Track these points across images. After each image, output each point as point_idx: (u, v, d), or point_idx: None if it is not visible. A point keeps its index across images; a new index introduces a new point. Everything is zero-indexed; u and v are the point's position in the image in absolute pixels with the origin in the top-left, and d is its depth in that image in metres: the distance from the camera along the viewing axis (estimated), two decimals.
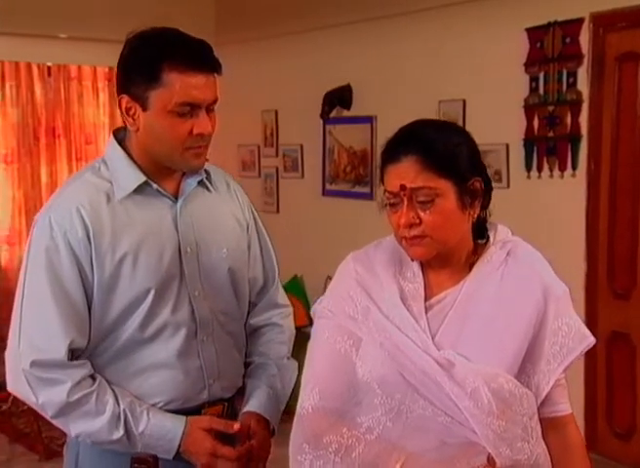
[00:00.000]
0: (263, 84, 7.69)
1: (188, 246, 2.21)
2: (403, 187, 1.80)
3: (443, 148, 1.82)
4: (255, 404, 2.27)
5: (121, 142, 2.21)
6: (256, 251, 2.42)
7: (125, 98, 2.11)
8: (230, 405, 2.32)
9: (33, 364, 2.08)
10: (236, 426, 2.14)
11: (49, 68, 7.67)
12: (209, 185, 2.31)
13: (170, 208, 2.21)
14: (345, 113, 6.83)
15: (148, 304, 2.15)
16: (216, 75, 2.12)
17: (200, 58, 2.08)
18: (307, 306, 6.83)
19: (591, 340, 1.88)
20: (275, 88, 7.57)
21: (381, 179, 1.88)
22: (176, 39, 2.10)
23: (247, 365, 2.40)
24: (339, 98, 6.79)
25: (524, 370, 1.83)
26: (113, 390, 2.15)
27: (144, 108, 2.09)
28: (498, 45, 5.79)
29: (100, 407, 2.11)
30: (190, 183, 2.25)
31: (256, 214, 2.47)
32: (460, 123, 6.00)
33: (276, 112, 7.52)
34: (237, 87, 7.90)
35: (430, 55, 6.23)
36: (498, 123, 5.83)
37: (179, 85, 2.05)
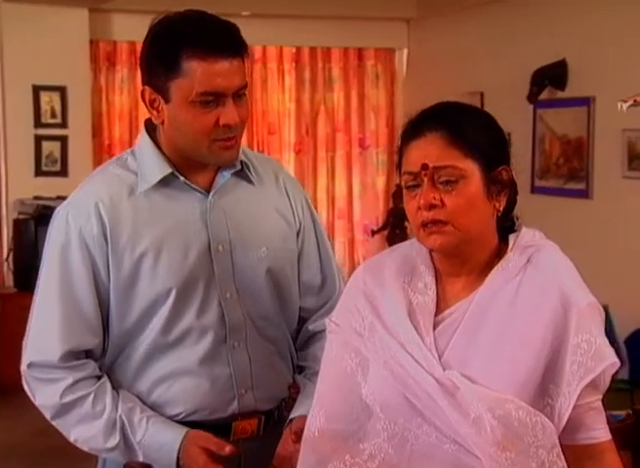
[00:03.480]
0: (467, 62, 7.48)
1: (220, 244, 2.23)
2: (425, 166, 1.80)
3: (471, 128, 1.82)
4: (303, 409, 2.24)
5: (153, 132, 2.26)
6: (310, 252, 2.42)
7: (147, 90, 2.16)
8: (271, 418, 2.32)
9: (30, 365, 2.20)
10: (228, 448, 2.13)
11: None
12: (251, 177, 2.31)
13: (200, 202, 2.23)
14: (559, 94, 6.51)
15: (170, 306, 2.19)
16: (244, 58, 2.14)
17: (222, 40, 2.10)
18: None
19: (612, 361, 1.81)
20: (480, 66, 7.33)
21: (398, 165, 1.88)
22: (196, 23, 2.13)
23: (301, 368, 2.43)
24: (550, 77, 6.49)
25: (546, 392, 1.80)
26: (114, 394, 2.21)
27: (167, 100, 2.13)
28: None
29: (97, 410, 2.18)
30: (224, 175, 2.26)
31: (314, 212, 2.45)
32: None
33: (482, 95, 7.29)
34: (439, 65, 7.84)
35: None
36: None
37: (199, 73, 2.07)
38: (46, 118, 7.28)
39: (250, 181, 2.30)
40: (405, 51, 8.33)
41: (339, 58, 8.10)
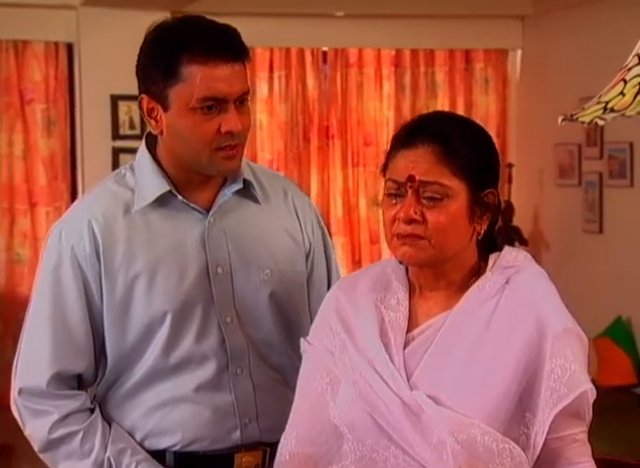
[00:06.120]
0: (588, 63, 7.22)
1: (219, 266, 2.30)
2: (411, 178, 1.87)
3: (464, 147, 1.90)
4: None
5: (153, 147, 2.33)
6: (320, 277, 2.47)
7: (145, 99, 2.23)
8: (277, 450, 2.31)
9: (21, 391, 2.27)
10: None
11: (324, 54, 7.64)
12: (256, 195, 2.36)
13: (199, 222, 2.30)
14: None
15: (167, 330, 2.25)
16: (245, 63, 2.22)
17: (222, 44, 2.17)
18: (637, 359, 6.11)
19: (586, 387, 1.87)
20: (601, 68, 6.85)
21: (384, 169, 1.95)
22: (194, 27, 2.21)
23: None
24: None
25: (522, 420, 1.86)
26: (106, 431, 2.26)
27: (165, 108, 2.20)
28: None
29: (85, 450, 2.23)
30: (225, 194, 2.32)
31: (325, 232, 2.51)
32: None
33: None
34: (557, 68, 7.65)
35: None
36: None
37: (200, 78, 2.15)
38: (124, 129, 7.28)
39: (255, 200, 2.35)
40: (519, 52, 8.11)
41: (443, 62, 7.86)
